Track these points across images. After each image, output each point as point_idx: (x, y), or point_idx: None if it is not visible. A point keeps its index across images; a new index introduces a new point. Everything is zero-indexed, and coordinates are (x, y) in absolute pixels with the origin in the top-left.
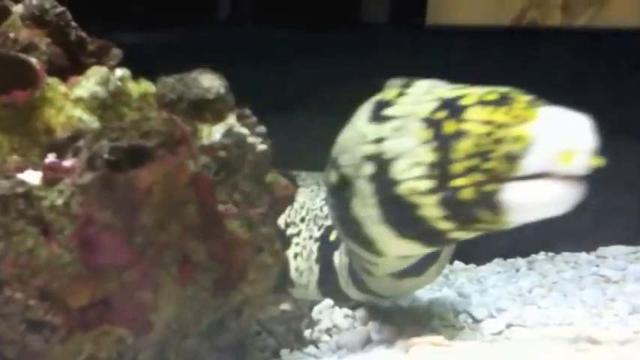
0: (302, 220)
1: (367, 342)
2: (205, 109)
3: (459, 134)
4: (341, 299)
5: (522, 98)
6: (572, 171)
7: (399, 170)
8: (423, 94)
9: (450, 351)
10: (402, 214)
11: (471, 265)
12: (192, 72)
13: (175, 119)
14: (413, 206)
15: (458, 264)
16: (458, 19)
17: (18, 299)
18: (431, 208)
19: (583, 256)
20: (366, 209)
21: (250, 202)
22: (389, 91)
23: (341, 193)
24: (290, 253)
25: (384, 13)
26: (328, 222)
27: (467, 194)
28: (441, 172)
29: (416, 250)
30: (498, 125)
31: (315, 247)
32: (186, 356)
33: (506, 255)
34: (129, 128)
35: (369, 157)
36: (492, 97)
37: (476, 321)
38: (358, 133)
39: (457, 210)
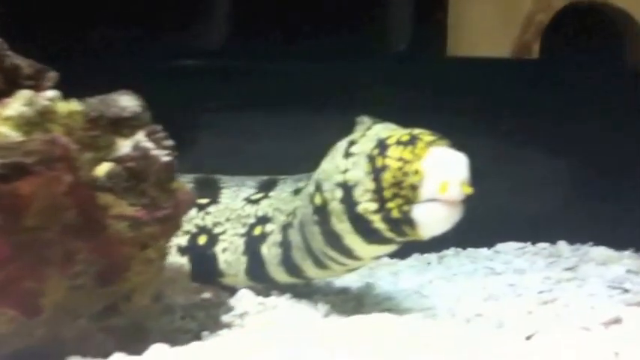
0: (227, 219)
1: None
2: (122, 125)
3: (384, 167)
4: (268, 283)
5: (426, 138)
6: (448, 197)
7: (356, 195)
8: (374, 135)
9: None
10: (364, 227)
11: (394, 260)
12: (113, 93)
13: (57, 139)
14: (369, 221)
15: (384, 259)
16: (475, 52)
17: None
18: (379, 223)
19: (483, 251)
20: (342, 224)
21: (156, 204)
22: (357, 133)
23: (324, 212)
24: (219, 248)
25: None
26: (251, 220)
27: (395, 214)
28: (379, 196)
29: (382, 251)
30: (405, 161)
31: (241, 241)
32: (78, 334)
33: (422, 251)
34: (15, 148)
35: (340, 184)
36: (405, 137)
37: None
38: (334, 165)
39: (392, 225)
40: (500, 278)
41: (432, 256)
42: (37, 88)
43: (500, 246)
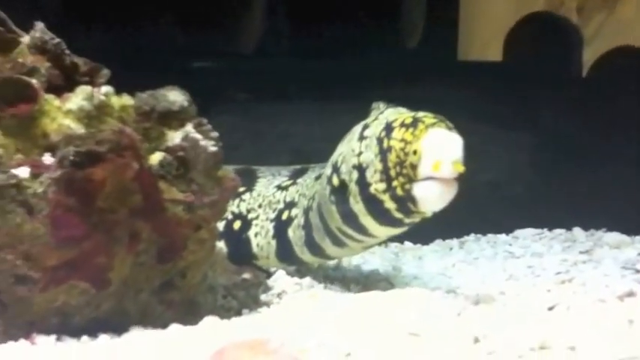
0: (259, 206)
1: None
2: (171, 118)
3: (389, 148)
4: (296, 263)
5: (427, 121)
6: (442, 175)
7: (368, 176)
8: (384, 119)
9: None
10: (376, 208)
11: (417, 245)
12: (162, 89)
13: (125, 130)
14: (380, 202)
15: (408, 244)
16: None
17: (9, 259)
18: (388, 203)
19: (502, 237)
20: (357, 205)
21: (204, 191)
22: (371, 117)
23: (341, 193)
24: (252, 233)
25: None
26: (280, 205)
27: (399, 192)
28: (386, 176)
29: (393, 232)
30: (406, 142)
31: (271, 226)
32: (140, 307)
33: (444, 237)
34: (88, 137)
35: (355, 166)
36: (408, 120)
37: (392, 286)
38: (351, 148)
39: (399, 203)
40: (520, 261)
41: (454, 242)
42: (92, 84)
43: (518, 232)
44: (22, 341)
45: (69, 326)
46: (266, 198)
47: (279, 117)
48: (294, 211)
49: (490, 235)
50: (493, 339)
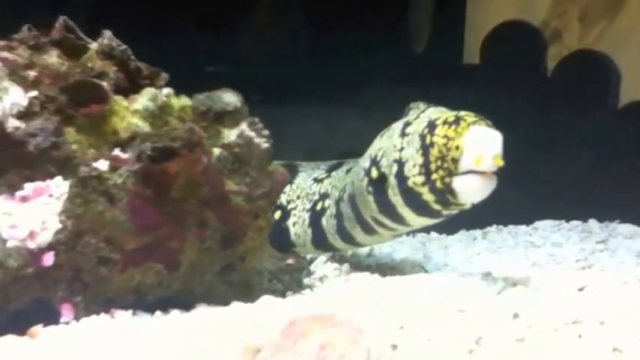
0: (298, 197)
1: None
2: (226, 117)
3: (432, 144)
4: (330, 250)
5: (468, 119)
6: (482, 169)
7: (407, 170)
8: (426, 117)
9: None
10: (414, 200)
11: (443, 235)
12: (217, 90)
13: (194, 129)
14: (418, 194)
15: (433, 234)
16: None
17: (92, 243)
18: (426, 195)
19: (522, 227)
20: (395, 197)
21: (256, 184)
22: (412, 115)
23: (379, 185)
24: (290, 222)
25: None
26: (316, 197)
27: (439, 184)
28: (426, 170)
29: (429, 222)
30: (449, 138)
31: (307, 216)
32: (205, 287)
33: (468, 227)
34: (163, 135)
35: (395, 161)
36: (451, 118)
37: (424, 270)
38: (392, 144)
39: (437, 195)
40: (541, 250)
41: (477, 232)
42: (153, 86)
43: (537, 223)
44: (103, 315)
45: (143, 304)
46: (304, 190)
47: (291, 118)
48: (327, 202)
49: (511, 226)
50: (531, 314)
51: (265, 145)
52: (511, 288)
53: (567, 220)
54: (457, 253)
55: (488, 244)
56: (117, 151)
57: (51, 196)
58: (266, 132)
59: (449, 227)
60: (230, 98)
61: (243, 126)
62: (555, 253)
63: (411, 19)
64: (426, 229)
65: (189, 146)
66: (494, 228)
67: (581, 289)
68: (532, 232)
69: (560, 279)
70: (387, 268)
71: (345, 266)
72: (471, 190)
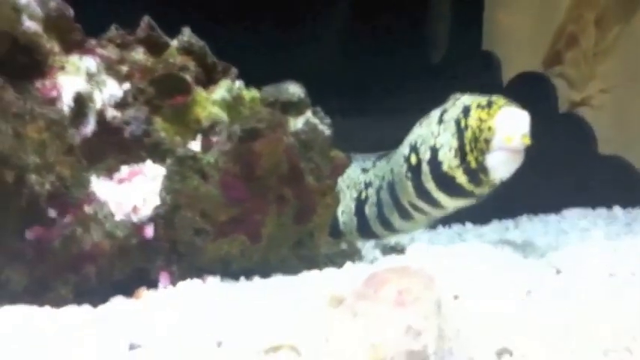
0: (347, 187)
1: None
2: (292, 107)
3: (466, 127)
4: (372, 237)
5: (499, 102)
6: (512, 147)
7: (442, 155)
8: (461, 103)
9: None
10: (448, 183)
11: (477, 225)
12: (283, 83)
13: (275, 113)
14: (452, 177)
15: (468, 225)
16: (508, 60)
17: (188, 216)
18: (461, 177)
19: (552, 216)
20: (429, 183)
21: (320, 167)
22: (449, 103)
23: (417, 170)
24: (339, 211)
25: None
26: (362, 186)
27: (473, 164)
28: (461, 152)
29: (462, 204)
30: (482, 120)
31: (353, 204)
32: (280, 259)
33: (500, 217)
34: (250, 117)
35: (431, 147)
36: (484, 102)
37: None
38: (430, 131)
39: (471, 175)
40: (570, 236)
41: (509, 222)
42: (225, 80)
43: (565, 212)
44: (196, 280)
45: (227, 272)
46: (352, 180)
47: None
48: (370, 191)
49: (541, 215)
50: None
51: (328, 132)
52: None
53: (593, 208)
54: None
55: (520, 233)
56: (200, 137)
57: (145, 176)
58: (328, 120)
59: (482, 217)
60: (294, 89)
61: (308, 114)
62: (584, 237)
63: (430, 29)
64: (461, 220)
65: (272, 127)
66: (525, 217)
67: (615, 250)
68: (561, 219)
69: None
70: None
71: (393, 250)
72: (502, 165)
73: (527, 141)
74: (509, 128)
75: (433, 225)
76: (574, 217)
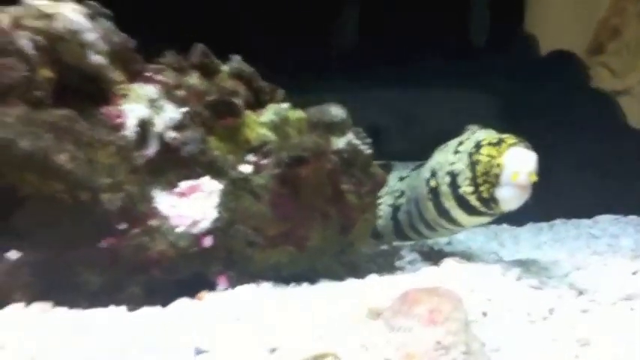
0: (385, 193)
1: None
2: (334, 128)
3: (478, 162)
4: (407, 239)
5: (509, 141)
6: (518, 183)
7: (459, 181)
8: (475, 138)
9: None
10: (465, 204)
11: (513, 227)
12: (326, 104)
13: (319, 140)
14: (468, 200)
15: (505, 225)
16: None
17: (242, 230)
18: (474, 202)
19: (584, 221)
20: (449, 202)
21: (361, 183)
22: (465, 135)
23: (437, 192)
24: (379, 215)
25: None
26: (397, 193)
27: (484, 194)
28: (474, 182)
29: (478, 222)
30: (492, 157)
31: (389, 210)
32: (325, 267)
33: (535, 220)
34: (296, 145)
35: (449, 173)
36: (494, 140)
37: (499, 257)
38: (446, 159)
39: (483, 202)
40: (600, 241)
41: (544, 225)
42: (272, 102)
43: (597, 217)
44: (252, 285)
45: (279, 278)
46: (390, 187)
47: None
48: (403, 199)
49: (574, 220)
50: (593, 291)
51: (368, 152)
52: (575, 271)
53: (625, 215)
54: (526, 243)
55: (553, 235)
56: (250, 156)
57: (202, 192)
58: (368, 139)
59: (518, 220)
60: (336, 111)
61: (350, 135)
62: (613, 243)
63: (471, 16)
64: (498, 221)
65: (316, 155)
66: (558, 221)
67: (634, 273)
68: (593, 225)
69: (616, 265)
70: (465, 255)
71: (430, 252)
72: (510, 199)
73: (534, 178)
74: (516, 166)
75: None
76: (605, 222)
